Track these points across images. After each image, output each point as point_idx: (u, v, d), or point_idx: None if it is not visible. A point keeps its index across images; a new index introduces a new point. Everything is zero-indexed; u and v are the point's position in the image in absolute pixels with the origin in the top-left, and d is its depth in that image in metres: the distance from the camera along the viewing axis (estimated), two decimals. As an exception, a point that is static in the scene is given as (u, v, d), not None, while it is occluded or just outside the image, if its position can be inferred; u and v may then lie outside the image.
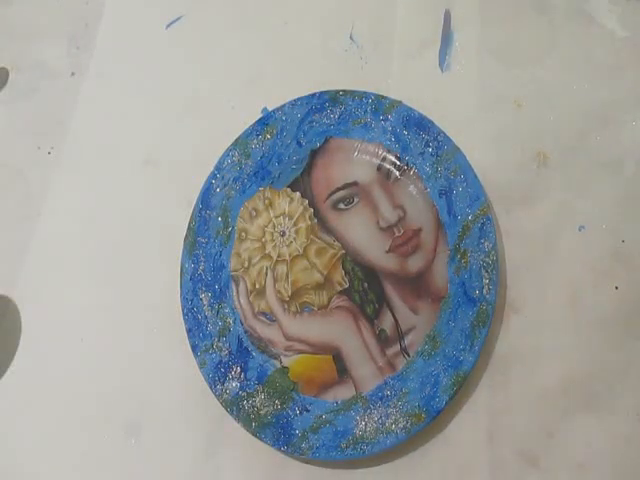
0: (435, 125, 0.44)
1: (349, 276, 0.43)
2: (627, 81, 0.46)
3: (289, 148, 0.47)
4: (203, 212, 0.46)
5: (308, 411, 0.41)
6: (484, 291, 0.40)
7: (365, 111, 0.46)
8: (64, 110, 0.53)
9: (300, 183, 0.46)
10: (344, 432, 0.40)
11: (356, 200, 0.45)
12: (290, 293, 0.44)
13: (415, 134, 0.45)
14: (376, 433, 0.39)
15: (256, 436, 0.40)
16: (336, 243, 0.44)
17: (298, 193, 0.46)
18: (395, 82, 0.49)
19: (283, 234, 0.45)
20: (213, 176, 0.46)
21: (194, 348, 0.43)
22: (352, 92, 0.46)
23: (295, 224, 0.45)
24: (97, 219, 0.50)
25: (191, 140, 0.50)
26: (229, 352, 0.43)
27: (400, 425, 0.39)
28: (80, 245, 0.49)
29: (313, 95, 0.47)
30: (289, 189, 0.46)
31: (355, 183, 0.45)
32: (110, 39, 0.56)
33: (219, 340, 0.43)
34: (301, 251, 0.45)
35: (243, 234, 0.46)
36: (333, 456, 0.39)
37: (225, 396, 0.41)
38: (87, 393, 0.45)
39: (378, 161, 0.45)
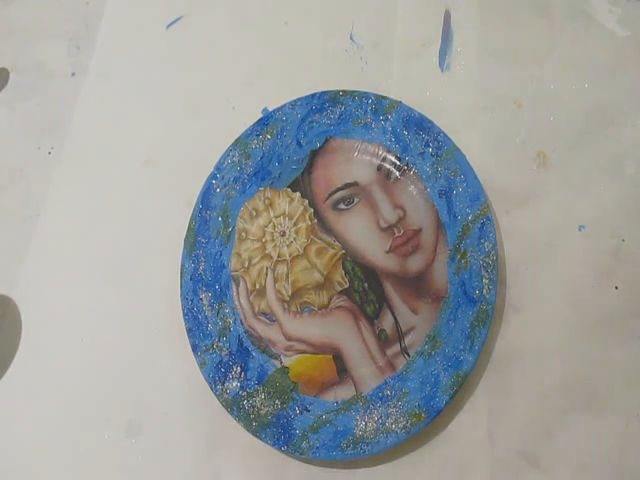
0: (435, 125, 0.44)
1: (349, 276, 0.43)
2: (627, 81, 0.46)
3: (289, 148, 0.47)
4: (203, 212, 0.46)
5: (308, 411, 0.41)
6: (484, 291, 0.40)
7: (365, 111, 0.46)
8: (64, 110, 0.53)
9: (300, 183, 0.46)
10: (344, 432, 0.40)
11: (356, 200, 0.45)
12: (290, 293, 0.44)
13: (415, 134, 0.45)
14: (376, 433, 0.39)
15: (256, 436, 0.40)
16: (336, 243, 0.44)
17: (298, 193, 0.46)
18: (395, 82, 0.49)
19: (283, 234, 0.45)
20: (213, 176, 0.46)
21: (194, 348, 0.43)
22: (352, 92, 0.46)
23: (295, 224, 0.45)
24: (97, 219, 0.50)
25: (191, 140, 0.50)
26: (229, 352, 0.43)
27: (400, 425, 0.39)
28: (80, 245, 0.49)
29: (313, 95, 0.47)
30: (289, 189, 0.46)
31: (355, 183, 0.45)
32: (110, 39, 0.56)
33: (219, 340, 0.43)
34: (301, 251, 0.45)
35: (243, 234, 0.46)
36: (333, 456, 0.39)
37: (225, 396, 0.41)
38: (87, 393, 0.45)
39: (378, 161, 0.45)
